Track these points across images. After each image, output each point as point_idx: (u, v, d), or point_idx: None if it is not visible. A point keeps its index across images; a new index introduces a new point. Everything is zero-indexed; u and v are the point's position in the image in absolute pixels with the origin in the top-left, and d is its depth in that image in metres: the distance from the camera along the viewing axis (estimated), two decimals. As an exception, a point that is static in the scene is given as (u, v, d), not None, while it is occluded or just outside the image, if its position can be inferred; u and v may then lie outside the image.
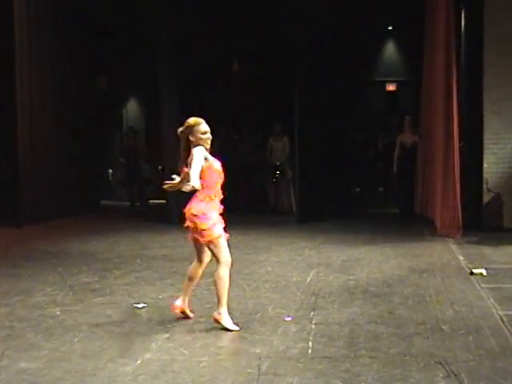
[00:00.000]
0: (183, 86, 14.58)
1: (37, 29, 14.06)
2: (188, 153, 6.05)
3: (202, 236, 6.03)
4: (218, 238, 6.04)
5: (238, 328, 5.94)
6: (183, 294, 6.41)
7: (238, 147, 16.40)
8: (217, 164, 6.16)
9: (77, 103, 15.69)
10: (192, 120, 6.16)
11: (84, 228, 13.57)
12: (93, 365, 5.06)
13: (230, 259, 6.09)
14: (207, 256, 6.28)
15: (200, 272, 6.38)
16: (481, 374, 4.76)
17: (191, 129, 6.08)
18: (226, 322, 5.99)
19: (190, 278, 6.39)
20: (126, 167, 17.43)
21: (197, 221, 6.02)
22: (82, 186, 15.87)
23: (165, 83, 14.30)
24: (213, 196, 6.12)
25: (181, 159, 6.19)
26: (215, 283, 6.07)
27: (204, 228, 6.00)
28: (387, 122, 19.98)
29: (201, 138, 6.06)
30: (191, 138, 6.06)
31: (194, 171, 5.84)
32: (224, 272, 6.04)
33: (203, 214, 6.03)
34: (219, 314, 6.01)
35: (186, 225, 6.13)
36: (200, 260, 6.31)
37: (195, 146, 6.03)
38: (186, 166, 6.06)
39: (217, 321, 6.01)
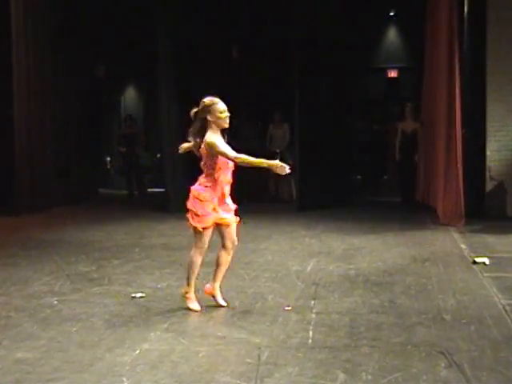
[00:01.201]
0: (182, 74, 14.53)
1: (34, 15, 14.01)
2: (203, 134, 6.01)
3: (192, 219, 6.12)
4: (203, 230, 6.11)
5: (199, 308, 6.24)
6: (213, 279, 6.46)
7: (239, 134, 16.36)
8: None
9: (75, 91, 15.66)
10: (208, 100, 6.04)
11: (82, 217, 13.57)
12: (90, 355, 5.05)
13: (205, 246, 6.21)
14: (229, 241, 6.35)
15: (227, 258, 6.41)
16: (483, 364, 4.75)
17: (209, 108, 5.97)
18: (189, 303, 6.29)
19: (218, 265, 6.42)
20: (124, 155, 17.41)
21: (193, 204, 6.11)
22: (80, 175, 15.87)
23: (163, 70, 14.26)
24: (220, 181, 6.10)
25: (192, 142, 6.20)
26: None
27: (197, 214, 6.08)
28: (388, 109, 19.97)
29: (219, 117, 5.98)
30: (209, 118, 5.96)
31: (225, 148, 5.92)
32: (194, 253, 6.22)
33: (202, 199, 6.08)
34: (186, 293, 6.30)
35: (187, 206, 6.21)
36: (224, 246, 6.38)
37: (213, 126, 5.99)
38: (198, 150, 6.10)
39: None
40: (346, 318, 5.96)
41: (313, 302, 6.55)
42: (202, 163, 6.15)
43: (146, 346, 5.29)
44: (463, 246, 9.51)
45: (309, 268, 8.19)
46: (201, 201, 6.07)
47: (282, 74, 16.07)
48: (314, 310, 6.25)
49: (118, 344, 5.33)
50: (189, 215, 6.16)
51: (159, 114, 14.60)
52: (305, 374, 4.63)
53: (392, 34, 21.48)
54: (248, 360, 4.91)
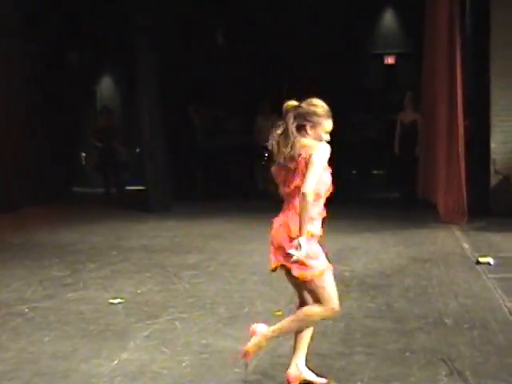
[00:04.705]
0: (162, 62, 14.53)
1: (3, 1, 13.99)
2: (290, 144, 4.59)
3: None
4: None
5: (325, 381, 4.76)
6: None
7: (225, 127, 16.43)
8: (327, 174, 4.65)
9: (45, 81, 15.61)
10: (322, 106, 4.65)
11: (55, 217, 13.55)
12: (64, 366, 5.06)
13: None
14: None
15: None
16: (487, 371, 4.79)
17: (318, 119, 4.61)
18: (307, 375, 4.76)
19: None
20: (100, 150, 17.37)
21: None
22: (53, 172, 15.83)
23: (142, 58, 14.23)
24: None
25: (276, 149, 4.77)
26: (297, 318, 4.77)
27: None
28: (387, 98, 19.99)
29: (321, 138, 4.60)
30: (309, 131, 4.59)
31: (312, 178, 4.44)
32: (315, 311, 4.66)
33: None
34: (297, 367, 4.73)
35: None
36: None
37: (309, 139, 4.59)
38: (285, 161, 4.66)
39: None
40: (341, 323, 5.98)
41: (304, 307, 6.56)
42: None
43: (124, 355, 5.30)
44: (466, 246, 9.56)
45: (300, 270, 8.20)
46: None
47: (270, 62, 16.10)
48: (305, 316, 6.26)
49: (94, 354, 5.34)
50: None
51: (138, 105, 14.59)
52: (296, 384, 4.65)
53: (389, 18, 21.50)
54: (235, 370, 4.94)
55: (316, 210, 4.58)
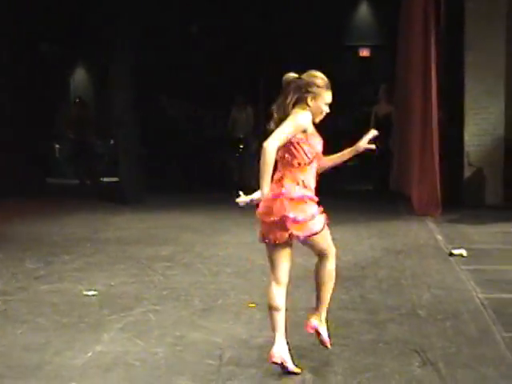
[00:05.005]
0: (137, 52, 14.46)
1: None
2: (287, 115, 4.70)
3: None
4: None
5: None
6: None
7: (197, 118, 16.42)
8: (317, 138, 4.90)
9: (17, 71, 15.48)
10: (322, 78, 4.79)
11: (28, 209, 13.44)
12: (37, 359, 5.05)
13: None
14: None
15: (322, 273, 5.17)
16: (459, 362, 4.84)
17: (318, 90, 4.74)
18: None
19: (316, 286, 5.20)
20: (74, 142, 17.28)
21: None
22: (26, 164, 15.71)
23: (116, 48, 14.14)
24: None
25: (275, 121, 4.76)
26: (321, 281, 5.11)
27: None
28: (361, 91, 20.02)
29: (321, 110, 4.78)
30: (309, 102, 4.71)
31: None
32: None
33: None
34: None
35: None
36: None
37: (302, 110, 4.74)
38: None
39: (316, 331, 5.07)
40: (314, 315, 5.99)
41: (278, 299, 6.58)
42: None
43: (98, 348, 5.30)
44: (439, 237, 9.62)
45: (274, 262, 8.22)
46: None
47: (245, 55, 16.08)
48: (279, 307, 6.28)
49: (67, 346, 5.33)
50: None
51: (112, 96, 14.52)
52: (270, 375, 4.68)
53: (363, 10, 21.53)
54: (209, 361, 4.95)
55: (309, 177, 4.80)
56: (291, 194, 4.70)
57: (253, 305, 6.36)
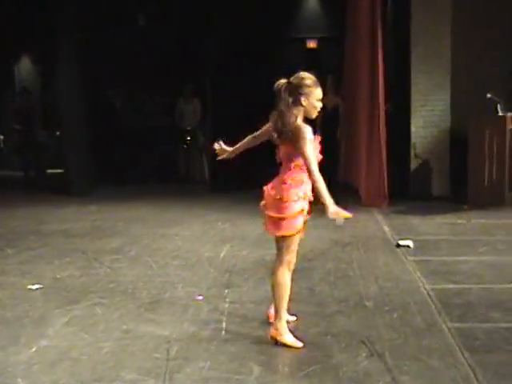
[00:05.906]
0: (82, 44, 14.29)
1: None
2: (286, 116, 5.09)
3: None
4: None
5: (301, 344, 5.10)
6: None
7: (144, 109, 16.32)
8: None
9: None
10: (310, 78, 5.17)
11: (-29, 201, 13.27)
12: (-19, 354, 4.98)
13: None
14: None
15: None
16: (405, 353, 4.89)
17: (309, 90, 5.11)
18: (286, 338, 5.17)
19: None
20: (19, 132, 17.04)
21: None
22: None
23: (62, 36, 13.96)
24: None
25: (273, 125, 5.22)
26: (273, 288, 5.35)
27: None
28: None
29: (314, 106, 5.15)
30: (303, 102, 5.07)
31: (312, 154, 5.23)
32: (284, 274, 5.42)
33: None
34: (276, 329, 5.20)
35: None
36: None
37: (301, 113, 5.12)
38: (278, 136, 5.19)
39: (273, 338, 5.17)
40: (262, 307, 5.99)
41: (226, 291, 6.59)
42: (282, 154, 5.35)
43: (43, 342, 5.23)
44: (386, 229, 9.70)
45: (222, 254, 8.23)
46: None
47: (192, 44, 16.01)
48: (227, 300, 6.29)
49: (11, 342, 5.26)
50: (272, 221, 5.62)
51: (58, 87, 14.34)
52: (217, 368, 4.67)
53: (312, 2, 21.56)
54: (156, 355, 4.92)
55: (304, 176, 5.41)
56: (288, 191, 5.46)
57: (200, 297, 6.36)
